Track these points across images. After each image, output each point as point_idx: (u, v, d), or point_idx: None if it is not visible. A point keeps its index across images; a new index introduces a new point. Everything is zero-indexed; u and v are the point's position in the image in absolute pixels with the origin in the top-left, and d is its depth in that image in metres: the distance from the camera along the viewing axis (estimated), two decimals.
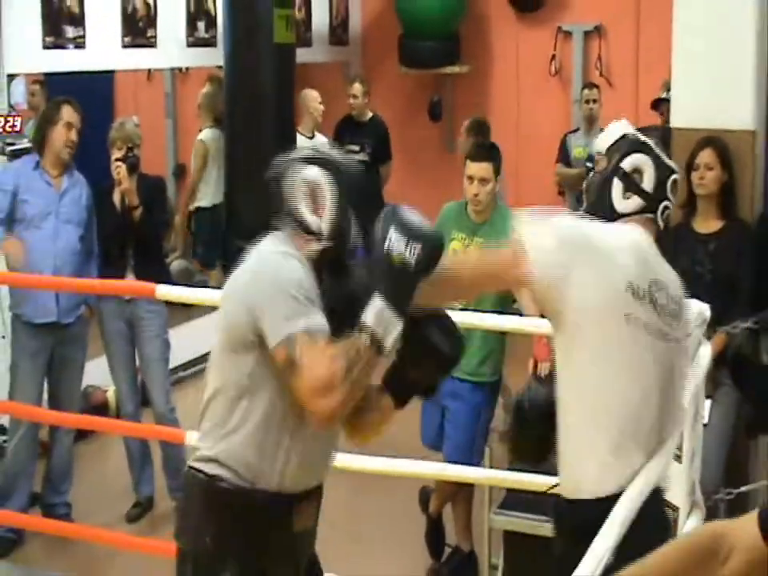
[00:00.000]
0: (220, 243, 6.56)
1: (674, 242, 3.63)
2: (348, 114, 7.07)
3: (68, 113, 4.40)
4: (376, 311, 2.05)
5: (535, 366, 3.86)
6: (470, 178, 3.96)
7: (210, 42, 6.59)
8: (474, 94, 7.95)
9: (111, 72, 6.43)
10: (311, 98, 6.66)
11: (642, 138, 2.44)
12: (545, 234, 2.21)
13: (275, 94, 5.75)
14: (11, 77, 5.27)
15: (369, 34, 8.34)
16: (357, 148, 6.95)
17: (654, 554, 1.52)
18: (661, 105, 6.09)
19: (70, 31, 5.58)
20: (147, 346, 4.52)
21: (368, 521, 4.54)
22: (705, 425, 3.06)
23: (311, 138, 6.65)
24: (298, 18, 6.56)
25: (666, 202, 2.36)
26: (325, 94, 6.89)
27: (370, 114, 7.08)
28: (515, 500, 3.54)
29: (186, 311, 5.76)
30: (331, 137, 6.97)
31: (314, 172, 2.19)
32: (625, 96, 7.20)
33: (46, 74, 6.21)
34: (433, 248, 2.10)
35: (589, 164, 6.47)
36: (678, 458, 2.70)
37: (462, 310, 3.64)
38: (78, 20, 5.63)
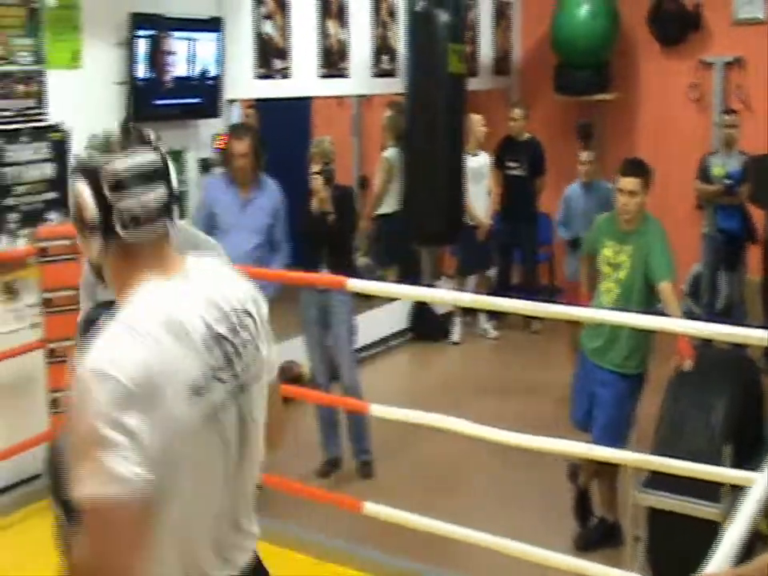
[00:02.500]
0: (397, 245, 6.75)
1: None
2: (508, 135, 7.15)
3: (236, 145, 4.60)
4: None
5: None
6: (620, 191, 3.97)
7: (391, 73, 6.78)
8: (621, 119, 7.88)
9: (309, 98, 6.65)
10: (475, 121, 6.78)
11: None
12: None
13: (448, 118, 5.84)
14: (230, 102, 5.55)
15: (527, 64, 8.38)
16: (515, 164, 7.02)
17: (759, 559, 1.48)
18: None
19: (278, 63, 5.86)
20: (337, 329, 4.71)
21: (520, 490, 4.60)
22: None
23: (475, 155, 6.75)
24: (467, 51, 6.64)
25: None
26: (488, 117, 7.01)
27: (527, 135, 7.13)
28: (658, 480, 3.54)
29: (368, 301, 5.95)
30: (493, 154, 7.05)
31: None
32: (763, 121, 6.97)
33: (257, 99, 6.50)
34: None
35: (726, 181, 6.38)
36: None
37: (613, 308, 3.68)
38: (284, 54, 5.89)
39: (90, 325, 2.03)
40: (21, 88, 4.46)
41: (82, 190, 1.59)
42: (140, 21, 4.86)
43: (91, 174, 1.59)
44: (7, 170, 4.40)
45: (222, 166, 4.76)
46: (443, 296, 5.22)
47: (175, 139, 5.23)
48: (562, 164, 7.08)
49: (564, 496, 4.21)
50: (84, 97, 4.73)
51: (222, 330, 1.63)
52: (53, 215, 4.61)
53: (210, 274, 1.71)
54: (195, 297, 1.62)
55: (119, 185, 1.57)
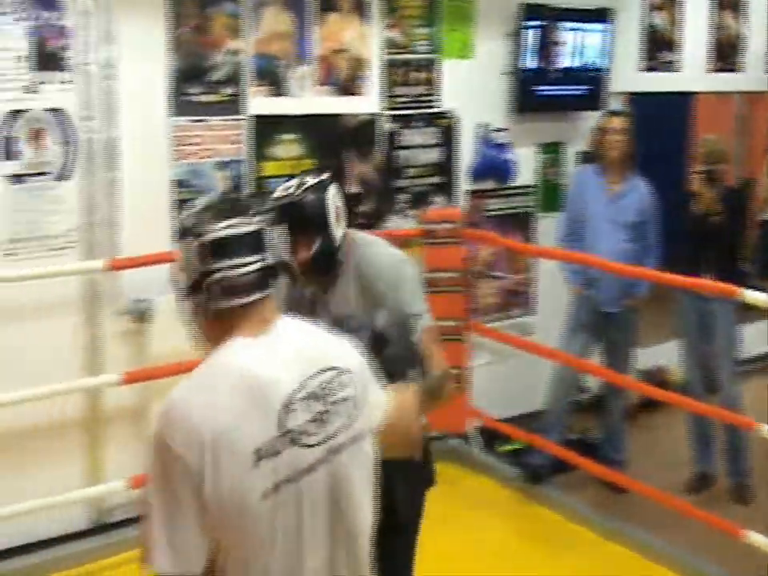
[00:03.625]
0: None
1: None
2: None
3: (609, 121, 4.44)
4: None
5: None
6: None
7: None
8: None
9: (693, 93, 6.29)
10: None
11: None
12: None
13: None
14: (613, 95, 5.38)
15: None
16: None
17: None
18: None
19: (665, 56, 5.59)
20: (720, 338, 4.37)
21: None
22: None
23: None
24: None
25: None
26: None
27: None
28: None
29: (755, 312, 5.48)
30: None
31: None
32: None
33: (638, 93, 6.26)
34: None
35: None
36: None
37: None
38: (673, 47, 5.61)
39: None
40: (417, 75, 4.62)
41: (180, 251, 1.60)
42: (530, 12, 4.85)
43: (190, 238, 1.58)
44: (401, 152, 4.58)
45: (594, 157, 4.61)
46: None
47: (556, 131, 5.17)
48: None
49: None
50: (473, 86, 4.81)
51: (312, 390, 1.55)
52: (438, 198, 4.74)
53: (303, 333, 1.66)
54: (282, 356, 1.56)
55: (215, 253, 1.55)
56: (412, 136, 4.61)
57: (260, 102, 4.08)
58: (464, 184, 4.84)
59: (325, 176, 2.46)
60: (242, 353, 1.55)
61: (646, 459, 4.62)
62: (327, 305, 2.44)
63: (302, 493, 1.52)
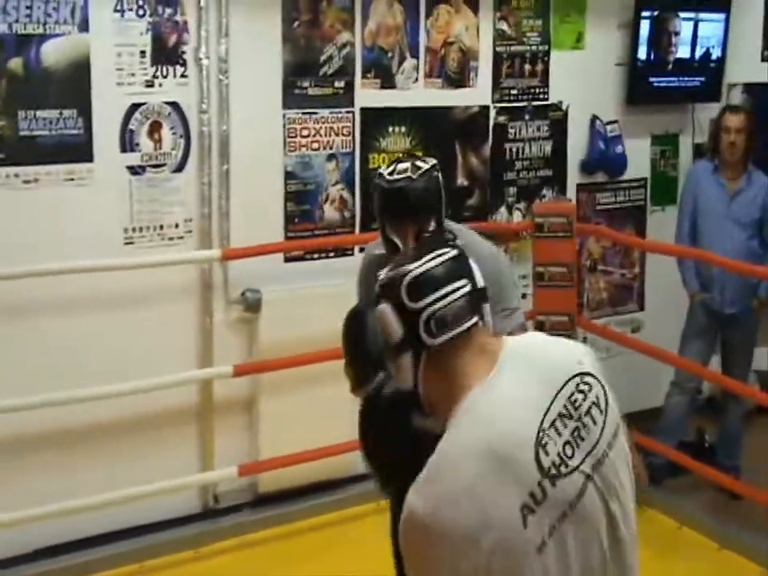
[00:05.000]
0: None
1: None
2: None
3: (727, 119, 4.27)
4: None
5: None
6: None
7: None
8: None
9: None
10: None
11: None
12: None
13: None
14: (731, 86, 5.18)
15: None
16: None
17: None
18: None
19: None
20: None
21: None
22: None
23: None
24: None
25: None
26: None
27: None
28: None
29: None
30: None
31: None
32: None
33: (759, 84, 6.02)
34: None
35: None
36: None
37: None
38: None
39: (355, 318, 2.02)
40: (528, 67, 4.54)
41: (384, 311, 1.51)
42: (646, 1, 4.71)
43: (391, 292, 1.50)
44: (511, 145, 4.51)
45: (711, 151, 4.44)
46: None
47: (672, 122, 5.02)
48: None
49: None
50: (584, 77, 4.69)
51: (558, 410, 1.43)
52: (547, 191, 4.65)
53: (535, 349, 1.54)
54: (520, 393, 1.43)
55: (418, 291, 1.47)
56: (522, 128, 4.54)
57: (369, 95, 4.08)
58: (575, 177, 4.74)
59: (434, 161, 2.41)
60: (482, 410, 1.43)
61: (764, 464, 4.42)
62: None
63: (581, 520, 1.41)
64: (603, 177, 4.82)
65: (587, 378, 1.50)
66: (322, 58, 3.96)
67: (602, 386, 1.52)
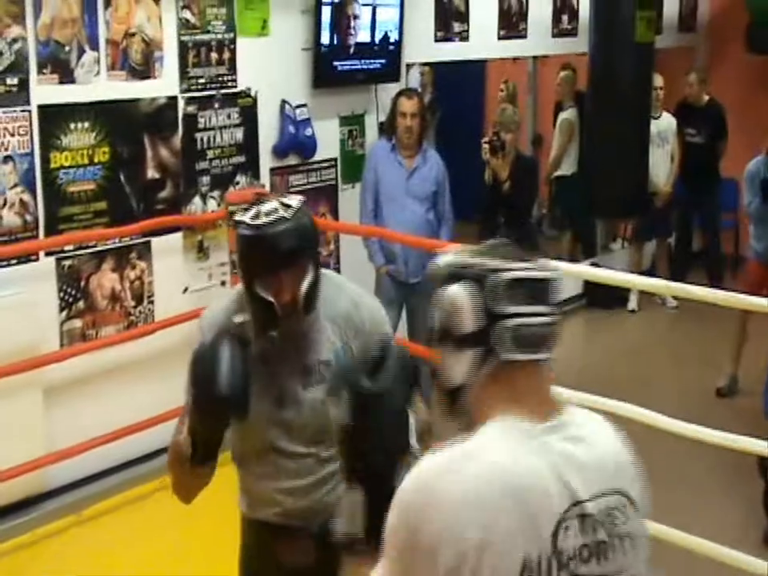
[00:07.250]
0: (574, 207, 6.55)
1: None
2: (684, 101, 6.81)
3: (403, 104, 4.56)
4: None
5: None
6: None
7: (571, 33, 6.53)
8: None
9: (483, 60, 6.53)
10: (656, 83, 6.42)
11: None
12: None
13: (633, 86, 5.51)
14: (409, 66, 5.50)
15: (716, 21, 7.87)
16: (693, 132, 6.68)
17: None
18: None
19: (456, 26, 5.75)
20: None
21: (708, 482, 4.30)
22: None
23: (657, 118, 6.43)
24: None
25: None
26: (672, 76, 6.64)
27: (706, 98, 6.74)
28: None
29: None
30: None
31: None
32: None
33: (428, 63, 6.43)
34: None
35: None
36: None
37: None
38: (463, 17, 5.78)
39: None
40: (215, 56, 4.57)
41: (458, 295, 1.32)
42: None
43: (473, 280, 1.31)
44: (201, 134, 4.55)
45: (388, 132, 4.73)
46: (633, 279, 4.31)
47: (357, 103, 5.26)
48: (752, 126, 6.62)
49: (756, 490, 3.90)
50: (271, 63, 4.80)
51: (591, 512, 1.26)
52: (241, 178, 4.75)
53: (591, 431, 1.34)
54: (562, 463, 1.26)
55: (511, 295, 1.30)
56: (212, 117, 4.58)
57: (47, 91, 3.94)
58: (267, 161, 4.87)
59: (299, 196, 2.02)
60: (512, 439, 1.27)
61: None
62: (288, 356, 1.99)
63: None
64: (296, 159, 4.98)
65: (632, 511, 1.32)
66: None
67: (642, 527, 1.35)
